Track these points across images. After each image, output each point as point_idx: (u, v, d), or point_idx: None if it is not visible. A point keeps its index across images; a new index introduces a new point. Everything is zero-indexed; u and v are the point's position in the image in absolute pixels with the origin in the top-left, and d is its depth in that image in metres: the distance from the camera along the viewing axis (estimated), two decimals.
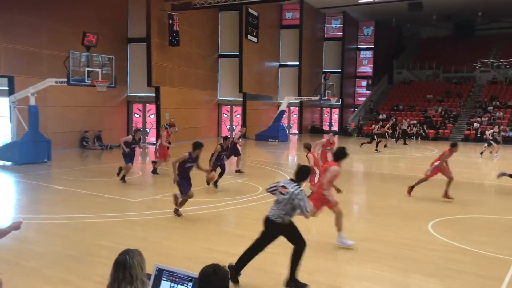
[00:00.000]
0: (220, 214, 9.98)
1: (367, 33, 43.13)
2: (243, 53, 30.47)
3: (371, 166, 19.60)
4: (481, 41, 42.86)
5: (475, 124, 33.03)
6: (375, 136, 24.44)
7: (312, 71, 38.24)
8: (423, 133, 33.31)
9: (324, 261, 6.92)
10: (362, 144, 25.12)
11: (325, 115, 41.73)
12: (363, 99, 42.25)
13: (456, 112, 35.82)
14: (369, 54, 43.31)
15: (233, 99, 31.18)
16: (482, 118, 33.72)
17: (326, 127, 40.74)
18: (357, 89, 44.11)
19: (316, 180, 9.94)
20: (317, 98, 32.10)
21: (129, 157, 13.04)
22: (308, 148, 10.93)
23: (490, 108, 34.90)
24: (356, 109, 40.82)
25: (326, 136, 14.58)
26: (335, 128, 40.15)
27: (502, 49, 41.13)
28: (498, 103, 35.24)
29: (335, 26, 40.43)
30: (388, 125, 28.27)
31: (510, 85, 37.31)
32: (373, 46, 42.90)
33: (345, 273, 6.64)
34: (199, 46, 28.67)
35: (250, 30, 30.80)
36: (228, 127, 31.90)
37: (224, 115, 31.82)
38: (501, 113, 33.82)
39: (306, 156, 10.79)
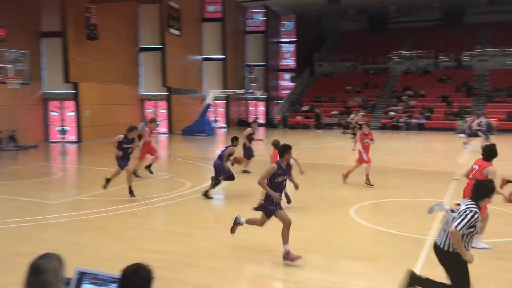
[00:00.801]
0: (148, 211, 9.80)
1: (289, 27, 43.99)
2: (166, 46, 29.94)
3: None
4: (394, 34, 45.26)
5: (391, 113, 34.95)
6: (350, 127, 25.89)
7: (237, 65, 38.42)
8: (344, 123, 34.70)
9: (259, 252, 7.05)
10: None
11: (251, 108, 42.15)
12: (287, 91, 43.14)
13: (374, 102, 37.66)
14: (291, 47, 44.22)
15: (157, 94, 30.57)
16: (397, 107, 35.78)
17: (252, 120, 41.10)
18: (281, 81, 44.94)
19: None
20: (242, 91, 32.32)
21: (123, 159, 10.55)
22: (275, 145, 9.90)
23: (404, 97, 37.08)
24: (281, 102, 41.65)
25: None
26: (261, 120, 40.70)
27: (413, 42, 43.73)
28: (411, 92, 37.51)
29: (257, 20, 40.86)
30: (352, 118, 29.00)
31: (422, 76, 39.81)
32: (295, 39, 43.85)
33: (277, 261, 6.79)
34: (119, 40, 27.74)
35: (171, 23, 30.30)
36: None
37: (149, 110, 31.13)
38: (414, 102, 36.05)
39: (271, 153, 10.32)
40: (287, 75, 44.83)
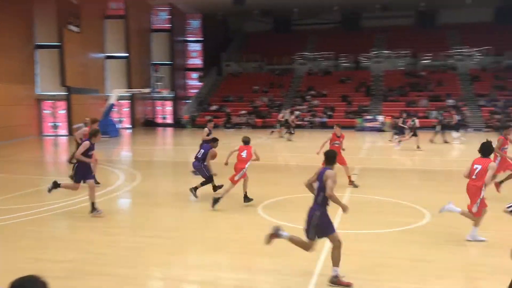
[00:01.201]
0: (44, 218, 9.16)
1: (195, 26, 43.74)
2: (64, 43, 28.31)
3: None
4: (298, 35, 46.83)
5: (296, 112, 36.12)
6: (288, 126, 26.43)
7: (142, 63, 37.42)
8: (252, 122, 35.28)
9: (166, 255, 6.88)
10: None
11: (158, 108, 41.30)
12: (195, 91, 42.89)
13: (280, 101, 38.70)
14: (198, 47, 44.03)
15: (56, 94, 28.80)
16: (302, 106, 37.11)
17: (160, 120, 40.34)
18: (188, 81, 44.56)
19: (237, 176, 9.69)
20: (148, 90, 31.53)
21: (87, 170, 9.28)
22: (246, 142, 10.12)
23: (308, 97, 38.54)
24: (188, 101, 41.29)
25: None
26: (169, 120, 40.02)
27: (316, 44, 45.59)
28: (314, 92, 39.08)
29: (163, 18, 40.11)
30: (293, 116, 29.21)
31: (324, 76, 41.64)
32: (201, 39, 43.70)
33: (186, 263, 6.69)
34: (11, 36, 25.71)
35: (70, 20, 28.70)
36: (52, 124, 29.40)
37: (46, 111, 29.20)
38: (317, 101, 37.61)
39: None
40: (194, 75, 44.57)
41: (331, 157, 6.24)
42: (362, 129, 32.73)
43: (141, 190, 11.74)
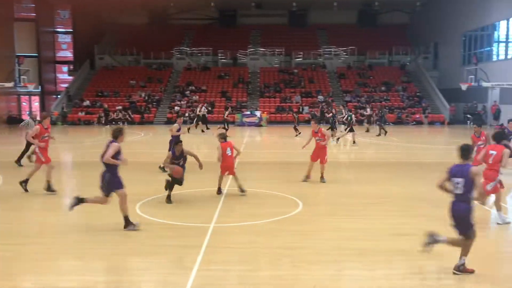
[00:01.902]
0: None
1: (64, 16, 40.94)
2: None
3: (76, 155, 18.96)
4: (175, 30, 46.30)
5: (176, 108, 35.74)
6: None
7: (4, 55, 34.02)
8: (129, 118, 34.11)
9: (35, 262, 6.38)
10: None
11: (24, 103, 37.96)
12: (67, 85, 40.21)
13: (158, 96, 37.97)
14: (68, 38, 41.30)
15: None
16: (181, 102, 36.83)
17: (25, 117, 37.07)
18: (58, 74, 41.62)
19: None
20: (11, 84, 28.80)
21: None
22: (223, 137, 10.35)
23: (187, 92, 38.35)
24: (59, 96, 38.55)
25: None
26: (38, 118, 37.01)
27: (193, 39, 45.49)
28: (194, 87, 39.02)
29: (26, 6, 36.87)
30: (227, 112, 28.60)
31: (202, 71, 41.75)
32: (71, 30, 41.05)
33: (58, 269, 6.26)
34: None
35: None
36: None
37: None
38: (197, 97, 37.62)
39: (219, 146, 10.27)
40: (65, 68, 41.78)
41: (466, 151, 5.98)
42: (242, 124, 33.51)
43: (4, 194, 10.71)
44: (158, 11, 45.79)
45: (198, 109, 29.08)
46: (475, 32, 36.26)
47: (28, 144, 14.61)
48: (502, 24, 33.13)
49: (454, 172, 5.93)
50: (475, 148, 11.62)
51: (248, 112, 34.74)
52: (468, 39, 37.45)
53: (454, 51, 39.13)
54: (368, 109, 29.30)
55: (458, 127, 32.72)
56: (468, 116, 34.28)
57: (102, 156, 7.51)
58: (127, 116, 34.04)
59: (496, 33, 34.34)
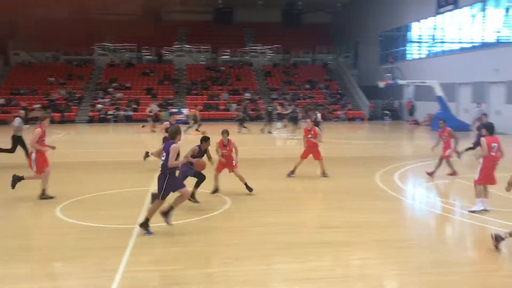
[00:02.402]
0: None
1: None
2: None
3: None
4: (97, 25, 44.48)
5: (98, 106, 34.46)
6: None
7: None
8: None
9: None
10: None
11: None
12: None
13: (80, 94, 36.37)
14: None
15: None
16: (104, 99, 35.54)
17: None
18: None
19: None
20: None
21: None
22: (227, 133, 10.28)
23: (110, 89, 37.08)
24: None
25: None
26: None
27: (116, 34, 43.96)
28: (117, 84, 37.80)
29: None
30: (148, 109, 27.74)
31: (126, 68, 40.55)
32: None
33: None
34: None
35: None
36: None
37: None
38: (121, 94, 36.49)
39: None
40: None
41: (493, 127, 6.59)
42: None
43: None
44: (78, 5, 43.81)
45: (149, 109, 28.32)
46: (391, 32, 38.31)
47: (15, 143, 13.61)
48: (415, 25, 35.28)
49: None
50: (441, 143, 12.51)
51: (175, 110, 34.23)
52: (385, 39, 39.50)
53: (372, 51, 41.10)
54: (289, 107, 29.93)
55: (377, 123, 34.42)
56: (386, 112, 36.15)
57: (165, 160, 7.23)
58: (37, 114, 32.23)
59: (409, 34, 36.51)
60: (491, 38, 27.14)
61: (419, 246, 7.07)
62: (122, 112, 34.09)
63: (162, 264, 6.23)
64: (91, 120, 33.16)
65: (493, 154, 8.50)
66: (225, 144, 10.20)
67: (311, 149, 12.27)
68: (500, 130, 23.27)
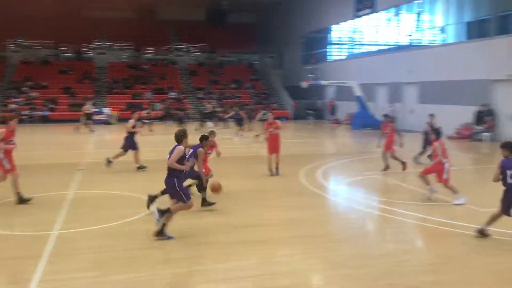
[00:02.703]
0: None
1: None
2: None
3: None
4: (10, 21, 41.68)
5: (11, 106, 32.29)
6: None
7: None
8: None
9: None
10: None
11: None
12: None
13: None
14: None
15: None
16: (18, 99, 33.39)
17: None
18: None
19: None
20: None
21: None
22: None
23: (25, 88, 34.88)
24: None
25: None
26: None
27: (29, 30, 41.36)
28: (32, 83, 35.63)
29: None
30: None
31: (42, 65, 38.32)
32: None
33: None
34: None
35: None
36: None
37: None
38: (37, 93, 34.46)
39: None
40: None
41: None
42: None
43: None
44: None
45: (88, 107, 26.93)
46: (313, 34, 39.47)
47: None
48: (335, 28, 36.62)
49: (507, 165, 6.75)
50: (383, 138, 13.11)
51: (96, 109, 32.90)
52: (308, 41, 40.63)
53: (296, 52, 42.10)
54: (210, 106, 29.85)
55: (301, 122, 35.30)
56: (309, 112, 37.16)
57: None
58: None
59: (330, 36, 37.84)
60: (405, 41, 28.83)
61: (341, 240, 7.32)
62: (38, 113, 32.20)
63: (83, 271, 5.91)
64: (2, 122, 31.03)
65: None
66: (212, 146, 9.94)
67: (276, 142, 12.31)
68: (413, 128, 24.72)
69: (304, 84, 30.84)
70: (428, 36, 27.48)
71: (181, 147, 7.07)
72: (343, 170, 14.19)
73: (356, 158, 16.42)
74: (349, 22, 34.18)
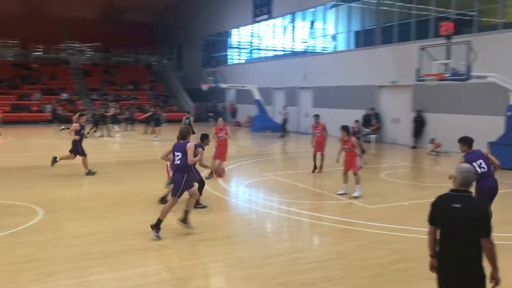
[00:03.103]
0: None
1: None
2: None
3: None
4: None
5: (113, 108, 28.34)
6: None
7: None
8: None
9: None
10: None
11: None
12: None
13: None
14: None
15: None
16: None
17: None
18: None
19: None
20: None
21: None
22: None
23: None
24: None
25: None
26: None
27: None
28: None
29: None
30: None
31: None
32: None
33: None
34: None
35: None
36: None
37: None
38: None
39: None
40: None
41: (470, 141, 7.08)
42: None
43: None
44: None
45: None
46: (213, 37, 39.62)
47: None
48: (235, 32, 37.12)
49: (470, 158, 6.82)
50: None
51: None
52: (208, 43, 40.68)
53: (195, 54, 41.93)
54: (113, 109, 28.68)
55: (201, 124, 35.16)
56: (210, 114, 37.21)
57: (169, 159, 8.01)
58: None
59: (230, 40, 38.27)
60: (300, 47, 30.05)
61: (240, 242, 7.40)
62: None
63: None
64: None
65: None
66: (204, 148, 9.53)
67: (223, 149, 12.42)
68: (307, 130, 25.84)
69: (205, 87, 30.80)
70: (321, 44, 28.91)
71: (191, 144, 7.50)
72: (243, 172, 14.39)
73: (255, 160, 16.75)
74: (249, 27, 34.83)
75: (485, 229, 3.57)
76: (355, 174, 10.29)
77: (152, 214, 8.80)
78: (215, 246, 6.98)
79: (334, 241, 7.49)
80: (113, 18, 45.93)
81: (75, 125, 12.93)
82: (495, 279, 3.68)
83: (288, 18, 30.69)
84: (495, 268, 3.65)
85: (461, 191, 3.73)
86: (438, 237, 3.82)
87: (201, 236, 7.46)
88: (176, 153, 7.42)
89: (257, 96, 29.10)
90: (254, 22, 33.32)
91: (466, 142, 7.10)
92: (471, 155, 7.00)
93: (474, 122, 17.45)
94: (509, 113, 14.73)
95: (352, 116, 23.82)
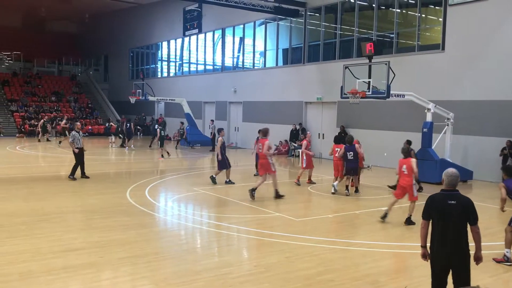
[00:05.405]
0: None
1: None
2: None
3: None
4: None
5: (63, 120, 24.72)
6: None
7: None
8: None
9: None
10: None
11: None
12: None
13: None
14: None
15: None
16: None
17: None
18: None
19: None
20: None
21: None
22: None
23: None
24: None
25: None
26: None
27: None
28: None
29: None
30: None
31: None
32: None
33: None
34: None
35: None
36: None
37: None
38: None
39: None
40: None
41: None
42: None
43: None
44: None
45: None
46: (142, 49, 38.93)
47: None
48: (164, 44, 36.73)
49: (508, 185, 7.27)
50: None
51: None
52: (136, 55, 39.88)
53: (123, 66, 40.93)
54: (64, 121, 27.62)
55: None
56: (138, 127, 36.35)
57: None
58: None
59: (160, 52, 37.78)
60: (229, 62, 30.30)
61: (167, 258, 7.25)
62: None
63: None
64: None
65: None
66: None
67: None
68: (237, 144, 25.99)
69: (132, 100, 30.10)
70: (250, 60, 29.35)
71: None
72: (173, 186, 14.17)
73: (185, 174, 16.57)
74: (179, 40, 34.61)
75: (474, 218, 4.63)
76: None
77: (76, 231, 8.44)
78: (139, 264, 6.79)
79: (262, 254, 7.55)
80: (34, 26, 43.77)
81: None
82: (479, 257, 4.72)
83: (218, 33, 30.89)
84: (479, 249, 4.70)
85: (451, 191, 4.68)
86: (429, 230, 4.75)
87: (126, 253, 7.23)
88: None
89: (187, 109, 28.88)
90: (184, 35, 33.19)
91: (507, 171, 7.50)
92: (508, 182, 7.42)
93: (394, 138, 18.46)
94: (425, 130, 15.72)
95: (281, 131, 24.45)
